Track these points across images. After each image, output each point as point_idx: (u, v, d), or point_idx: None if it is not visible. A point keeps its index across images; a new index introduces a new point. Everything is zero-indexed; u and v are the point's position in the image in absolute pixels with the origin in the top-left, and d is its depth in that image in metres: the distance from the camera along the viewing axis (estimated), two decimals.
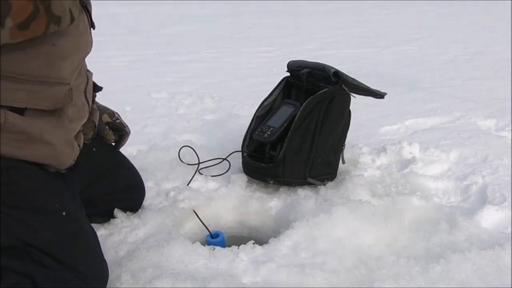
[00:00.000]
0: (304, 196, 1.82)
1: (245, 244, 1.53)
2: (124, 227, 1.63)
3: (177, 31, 7.05)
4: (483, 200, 1.83)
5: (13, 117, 1.15)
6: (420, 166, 2.10)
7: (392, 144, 2.29)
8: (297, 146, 1.86)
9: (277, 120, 1.92)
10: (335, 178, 1.98)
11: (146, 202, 1.78)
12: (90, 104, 1.43)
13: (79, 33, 1.27)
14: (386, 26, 7.38)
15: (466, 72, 4.14)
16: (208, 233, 1.64)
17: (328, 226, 1.59)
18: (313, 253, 1.49)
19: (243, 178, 1.95)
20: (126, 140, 1.74)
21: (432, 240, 1.55)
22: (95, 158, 1.57)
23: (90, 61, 1.45)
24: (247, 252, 1.48)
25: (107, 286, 1.32)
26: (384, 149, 2.23)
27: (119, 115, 1.72)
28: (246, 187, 1.93)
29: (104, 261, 1.34)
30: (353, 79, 1.91)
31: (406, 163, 2.14)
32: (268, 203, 1.82)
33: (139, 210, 1.72)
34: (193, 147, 2.10)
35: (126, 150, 1.89)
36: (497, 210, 1.73)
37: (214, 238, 1.62)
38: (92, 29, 1.38)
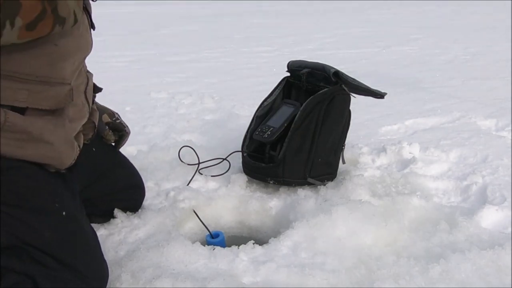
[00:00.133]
0: (304, 196, 1.82)
1: (245, 244, 1.52)
2: (124, 227, 1.63)
3: (177, 31, 7.06)
4: (483, 200, 1.83)
5: (13, 117, 1.15)
6: (420, 166, 2.10)
7: (392, 144, 2.29)
8: (297, 146, 1.86)
9: (277, 120, 1.92)
10: (335, 178, 1.97)
11: (146, 202, 1.78)
12: (90, 104, 1.43)
13: (79, 33, 1.27)
14: (386, 26, 7.39)
15: (466, 72, 4.14)
16: (208, 233, 1.63)
17: (328, 226, 1.58)
18: (313, 253, 1.49)
19: (243, 178, 1.95)
20: (126, 140, 1.74)
21: (432, 240, 1.55)
22: (95, 158, 1.57)
23: (90, 61, 1.45)
24: (247, 252, 1.48)
25: (107, 286, 1.32)
26: (384, 149, 2.23)
27: (119, 115, 1.72)
28: (246, 187, 1.93)
29: (104, 261, 1.34)
30: (353, 79, 1.90)
31: (406, 163, 2.14)
32: (268, 203, 1.82)
33: (139, 210, 1.72)
34: (193, 147, 2.10)
35: (126, 150, 1.89)
36: (497, 210, 1.73)
37: (214, 238, 1.62)
38: (92, 29, 1.39)
